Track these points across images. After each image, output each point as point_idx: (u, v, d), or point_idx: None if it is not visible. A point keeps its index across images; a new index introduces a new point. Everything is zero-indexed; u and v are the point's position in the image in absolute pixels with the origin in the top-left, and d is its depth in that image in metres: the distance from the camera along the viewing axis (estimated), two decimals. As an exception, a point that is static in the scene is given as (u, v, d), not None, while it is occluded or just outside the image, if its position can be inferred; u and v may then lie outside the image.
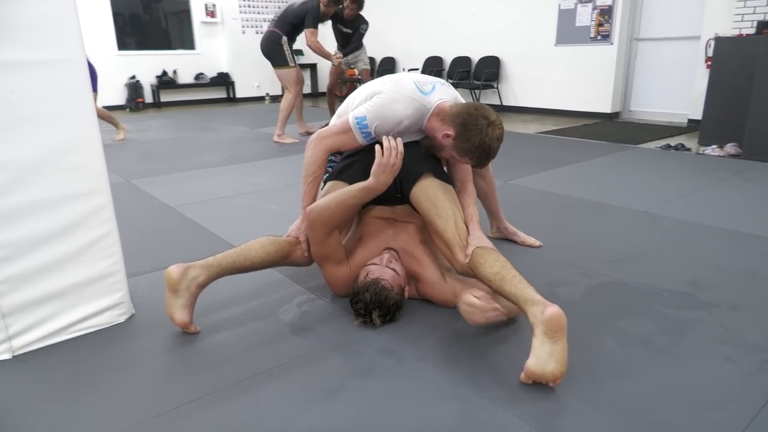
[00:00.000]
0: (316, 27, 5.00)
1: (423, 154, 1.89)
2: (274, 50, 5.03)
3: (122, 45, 8.46)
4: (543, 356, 1.36)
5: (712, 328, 1.70)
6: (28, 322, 1.59)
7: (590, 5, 6.45)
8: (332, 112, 5.95)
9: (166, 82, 8.80)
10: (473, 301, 1.52)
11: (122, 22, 8.46)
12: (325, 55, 5.22)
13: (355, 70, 5.91)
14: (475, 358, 1.56)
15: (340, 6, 5.18)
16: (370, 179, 1.70)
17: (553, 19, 6.81)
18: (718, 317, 1.77)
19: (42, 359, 1.58)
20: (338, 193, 1.75)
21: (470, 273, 1.67)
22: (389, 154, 1.67)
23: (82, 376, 1.50)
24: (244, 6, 9.21)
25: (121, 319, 1.78)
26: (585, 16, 6.53)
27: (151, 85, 8.76)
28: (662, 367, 1.50)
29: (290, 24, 5.03)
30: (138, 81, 8.55)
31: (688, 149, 4.63)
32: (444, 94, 1.84)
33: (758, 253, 2.30)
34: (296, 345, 1.64)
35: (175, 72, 8.92)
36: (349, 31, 5.54)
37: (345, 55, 5.61)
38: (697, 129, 5.37)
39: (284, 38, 5.00)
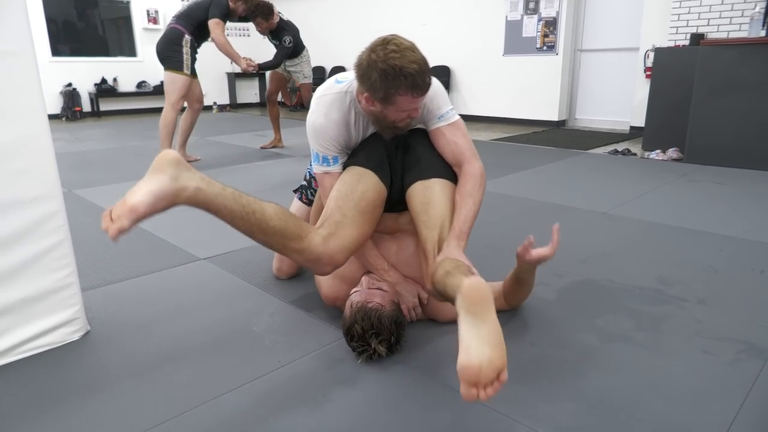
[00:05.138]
0: (222, 20, 4.17)
1: (440, 159, 1.69)
2: (170, 49, 4.10)
3: (56, 51, 8.01)
4: (474, 343, 1.03)
5: (686, 322, 1.73)
6: (-32, 343, 1.43)
7: (536, 17, 6.66)
8: (275, 122, 5.31)
9: (105, 90, 8.39)
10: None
11: (55, 28, 8.01)
12: (232, 56, 4.35)
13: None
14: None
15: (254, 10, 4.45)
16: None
17: (500, 29, 6.99)
18: (689, 311, 1.81)
19: (-15, 385, 1.41)
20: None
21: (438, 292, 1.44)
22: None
23: (34, 401, 1.34)
24: (189, 13, 8.93)
25: (76, 337, 1.62)
26: (531, 28, 6.74)
27: (89, 94, 8.33)
28: (645, 361, 1.51)
29: (197, 21, 4.13)
30: (75, 89, 8.10)
31: (634, 154, 4.83)
32: None
33: (714, 249, 2.39)
34: (273, 356, 1.54)
35: (115, 80, 8.53)
36: (275, 42, 4.90)
37: (274, 67, 4.93)
38: (638, 135, 5.63)
39: (187, 38, 4.11)
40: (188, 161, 4.48)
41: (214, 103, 9.38)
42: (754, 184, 3.59)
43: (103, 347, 1.60)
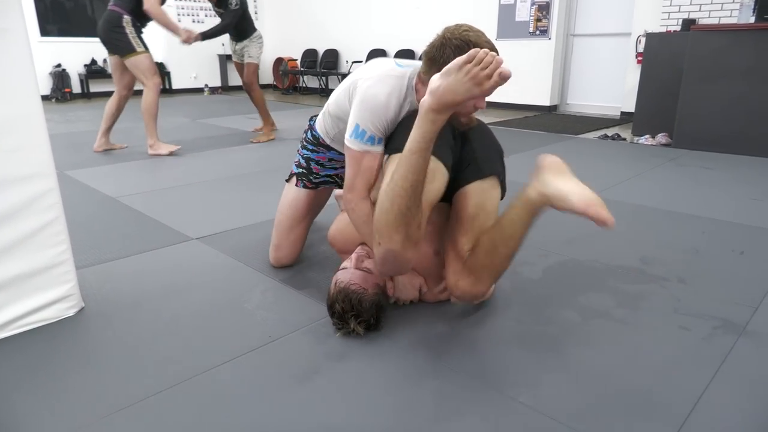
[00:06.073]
0: None
1: (497, 151, 1.71)
2: (114, 34, 3.85)
3: (44, 32, 7.91)
4: (577, 188, 1.34)
5: (665, 300, 1.79)
6: (-36, 318, 1.46)
7: (529, 1, 6.64)
8: (262, 112, 4.93)
9: (95, 71, 8.31)
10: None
11: (43, 7, 7.90)
12: (170, 26, 4.01)
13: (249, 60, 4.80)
14: (449, 337, 1.56)
15: None
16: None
17: (494, 13, 6.97)
18: (669, 290, 1.87)
19: (-18, 358, 1.44)
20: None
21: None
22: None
23: (31, 373, 1.38)
24: (180, -7, 8.84)
25: (70, 313, 1.65)
26: (524, 12, 6.72)
27: (79, 75, 8.26)
28: (623, 336, 1.57)
29: None
30: (64, 70, 8.03)
31: (624, 139, 4.88)
32: None
33: (697, 231, 2.45)
34: (263, 331, 1.58)
35: (105, 61, 8.41)
36: (221, 10, 4.53)
37: (220, 32, 4.59)
38: (629, 121, 5.67)
39: (126, 18, 3.84)
40: (113, 149, 4.31)
41: (206, 85, 9.31)
42: (740, 169, 3.65)
43: (97, 323, 1.63)
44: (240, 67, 4.93)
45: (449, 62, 1.42)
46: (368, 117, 1.59)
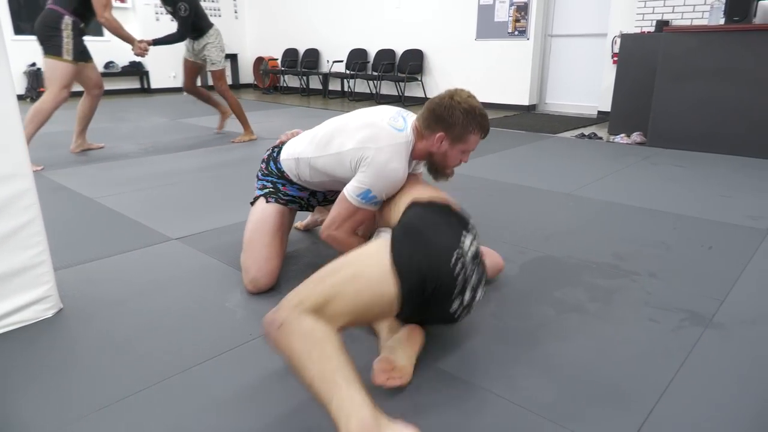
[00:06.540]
0: None
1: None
2: (48, 33, 3.56)
3: (18, 30, 7.76)
4: None
5: (636, 294, 1.85)
6: (-60, 320, 1.44)
7: (507, 2, 6.72)
8: (217, 107, 4.94)
9: (71, 70, 8.17)
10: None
11: (17, 5, 7.76)
12: (125, 38, 3.97)
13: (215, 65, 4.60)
14: (426, 332, 1.59)
15: None
16: None
17: (473, 13, 7.03)
18: (640, 284, 1.92)
19: (-41, 360, 1.43)
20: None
21: None
22: None
23: (10, 375, 1.38)
24: (157, -9, 8.73)
25: (49, 314, 1.65)
26: (503, 12, 6.80)
27: (55, 74, 8.10)
28: (596, 329, 1.62)
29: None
30: (39, 69, 7.86)
31: (600, 138, 4.97)
32: (411, 118, 1.80)
33: (668, 227, 2.52)
34: (244, 329, 1.60)
35: (81, 60, 8.31)
36: (172, 11, 4.35)
37: (173, 41, 4.48)
38: (606, 120, 5.78)
39: (67, 19, 3.56)
40: (90, 149, 4.27)
41: (185, 84, 9.23)
42: (710, 167, 3.75)
43: (76, 323, 1.63)
44: (191, 65, 4.68)
45: (457, 121, 1.64)
46: (383, 187, 1.70)
